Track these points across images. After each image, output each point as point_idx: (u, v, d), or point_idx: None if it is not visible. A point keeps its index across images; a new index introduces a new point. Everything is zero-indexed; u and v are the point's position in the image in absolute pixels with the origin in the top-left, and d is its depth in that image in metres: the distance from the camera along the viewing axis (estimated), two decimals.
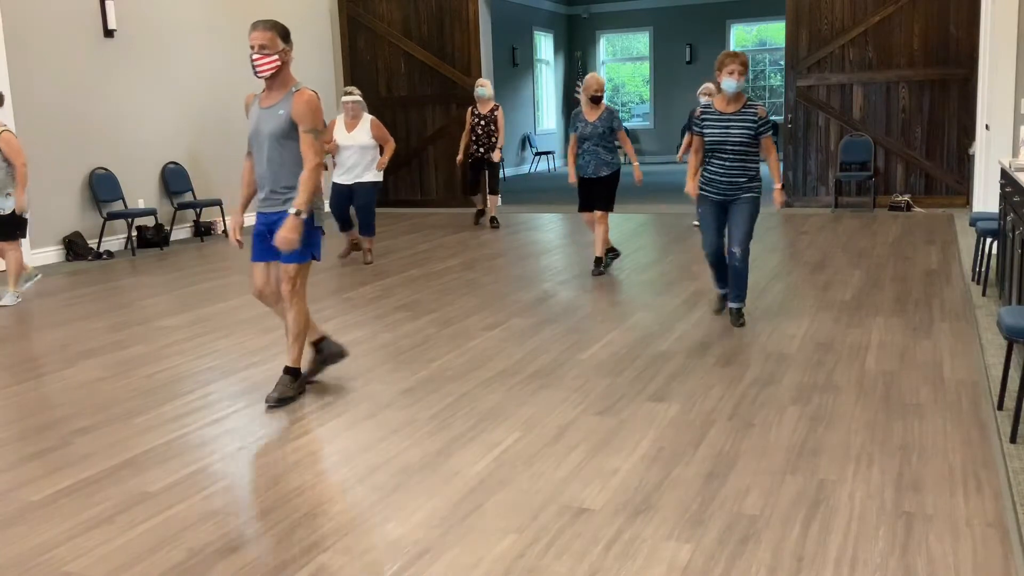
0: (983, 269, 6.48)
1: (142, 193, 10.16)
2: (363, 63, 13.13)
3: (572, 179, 7.37)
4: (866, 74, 10.96)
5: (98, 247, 9.52)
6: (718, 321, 5.69)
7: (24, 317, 6.62)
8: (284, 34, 4.16)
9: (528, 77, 19.05)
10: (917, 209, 10.72)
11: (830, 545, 2.79)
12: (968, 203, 10.41)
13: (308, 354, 4.58)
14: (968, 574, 2.60)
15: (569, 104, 20.75)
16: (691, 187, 5.64)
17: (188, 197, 10.65)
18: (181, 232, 10.70)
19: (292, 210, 4.12)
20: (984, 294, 6.17)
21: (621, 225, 10.44)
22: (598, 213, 7.38)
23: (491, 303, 6.47)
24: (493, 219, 10.70)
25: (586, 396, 4.33)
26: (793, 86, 11.25)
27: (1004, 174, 6.21)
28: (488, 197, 10.70)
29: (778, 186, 5.62)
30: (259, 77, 4.13)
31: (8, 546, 3.00)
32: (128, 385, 4.81)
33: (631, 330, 5.56)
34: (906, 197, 10.80)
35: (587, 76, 7.42)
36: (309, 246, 4.27)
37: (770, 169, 5.61)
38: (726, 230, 5.59)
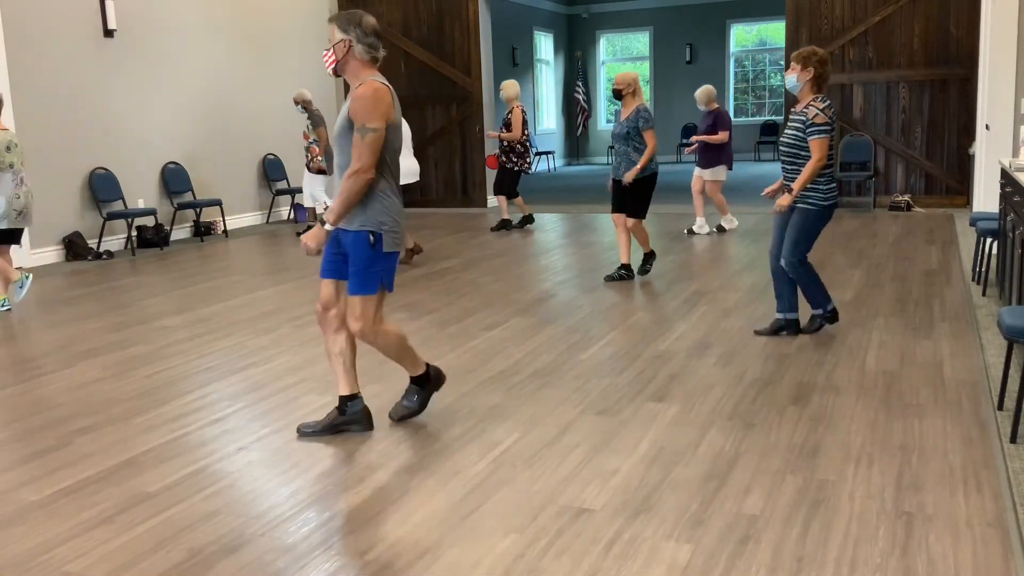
0: (983, 269, 6.47)
1: (142, 193, 10.16)
2: None
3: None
4: (866, 74, 10.96)
5: (98, 247, 9.52)
6: (718, 321, 5.69)
7: (24, 317, 6.62)
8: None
9: (528, 77, 19.04)
10: (917, 209, 10.71)
11: (830, 545, 2.79)
12: (968, 203, 10.41)
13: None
14: (968, 574, 2.60)
15: (569, 104, 20.76)
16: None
17: (188, 197, 10.65)
18: (181, 232, 10.70)
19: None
20: (984, 294, 6.17)
21: None
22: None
23: (491, 303, 6.47)
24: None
25: (586, 396, 4.33)
26: None
27: (1004, 174, 6.21)
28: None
29: (789, 191, 5.06)
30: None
31: (8, 546, 3.00)
32: (128, 385, 4.81)
33: (631, 330, 5.56)
34: (906, 197, 10.80)
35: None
36: (377, 273, 3.78)
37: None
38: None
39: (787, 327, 5.30)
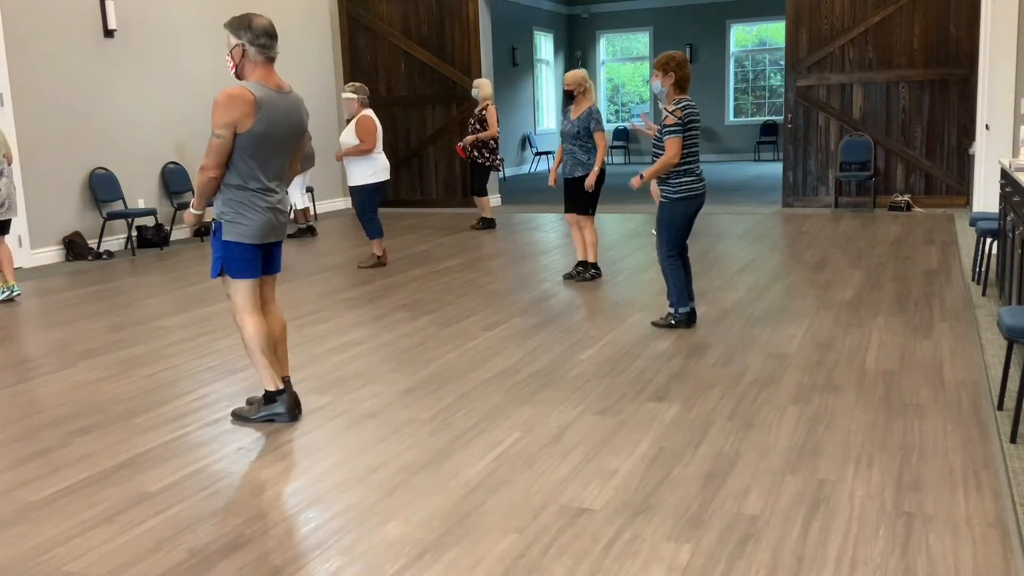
0: (983, 269, 6.47)
1: (142, 193, 10.16)
2: (363, 63, 13.13)
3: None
4: (866, 74, 10.96)
5: (98, 247, 9.52)
6: (718, 321, 5.69)
7: (24, 317, 6.62)
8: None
9: (528, 77, 19.05)
10: (917, 209, 10.72)
11: (830, 545, 2.79)
12: (968, 203, 10.41)
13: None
14: (968, 574, 2.60)
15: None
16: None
17: (188, 197, 10.63)
18: (181, 232, 10.70)
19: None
20: (984, 294, 6.17)
21: (620, 225, 10.44)
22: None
23: (491, 303, 6.47)
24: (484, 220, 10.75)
25: (586, 396, 4.33)
26: (793, 86, 11.25)
27: (1004, 174, 6.21)
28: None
29: (639, 175, 5.47)
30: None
31: (8, 546, 3.00)
32: (128, 385, 4.81)
33: (631, 330, 5.56)
34: (906, 197, 10.80)
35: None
36: (219, 259, 3.97)
37: None
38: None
39: (680, 320, 5.57)
